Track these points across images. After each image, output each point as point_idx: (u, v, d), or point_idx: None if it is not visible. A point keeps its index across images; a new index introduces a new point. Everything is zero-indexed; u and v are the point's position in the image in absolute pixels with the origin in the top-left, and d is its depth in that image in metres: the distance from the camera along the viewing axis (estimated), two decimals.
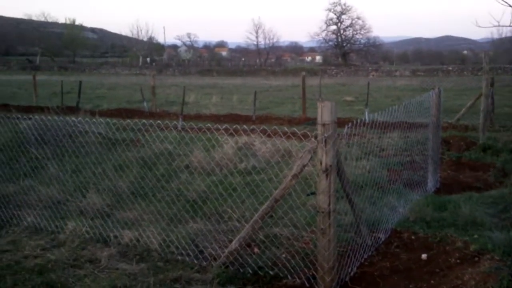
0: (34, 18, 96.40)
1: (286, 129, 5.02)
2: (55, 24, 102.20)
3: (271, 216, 4.49)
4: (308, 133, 4.10)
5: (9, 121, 9.71)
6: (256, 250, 4.30)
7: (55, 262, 4.02)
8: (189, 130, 9.98)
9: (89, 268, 3.95)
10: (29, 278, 3.74)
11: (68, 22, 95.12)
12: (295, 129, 5.18)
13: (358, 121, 4.05)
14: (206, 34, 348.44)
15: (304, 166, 3.75)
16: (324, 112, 3.35)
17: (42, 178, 6.38)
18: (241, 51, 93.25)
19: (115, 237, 4.53)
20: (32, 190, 5.91)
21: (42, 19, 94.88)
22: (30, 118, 8.49)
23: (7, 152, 7.79)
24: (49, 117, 6.53)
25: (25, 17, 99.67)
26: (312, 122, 12.37)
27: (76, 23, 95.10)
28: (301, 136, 4.18)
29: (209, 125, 5.68)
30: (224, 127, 4.64)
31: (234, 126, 4.90)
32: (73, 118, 7.53)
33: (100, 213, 5.09)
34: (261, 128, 5.25)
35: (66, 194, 5.78)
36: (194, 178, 6.25)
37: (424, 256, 4.09)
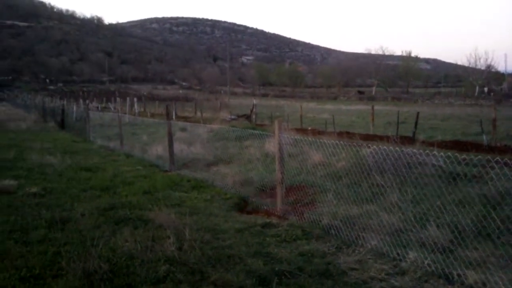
0: (373, 52, 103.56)
1: None
2: (391, 57, 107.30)
3: None
4: None
5: (352, 148, 10.66)
6: None
7: None
8: None
9: None
10: None
11: (404, 54, 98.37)
12: None
13: None
14: None
15: None
16: None
17: (383, 204, 6.70)
18: None
19: (459, 276, 4.37)
20: (374, 215, 6.29)
21: (380, 52, 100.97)
22: (369, 146, 9.01)
23: (351, 177, 8.51)
24: (386, 147, 6.82)
25: (365, 52, 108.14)
26: None
27: (412, 54, 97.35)
28: None
29: None
30: None
31: None
32: (410, 149, 7.69)
33: (441, 247, 5.01)
34: None
35: (406, 223, 5.92)
36: None
37: None
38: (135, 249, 5.01)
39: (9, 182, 8.55)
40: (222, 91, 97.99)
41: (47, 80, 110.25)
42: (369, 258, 4.94)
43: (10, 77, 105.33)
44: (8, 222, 6.14)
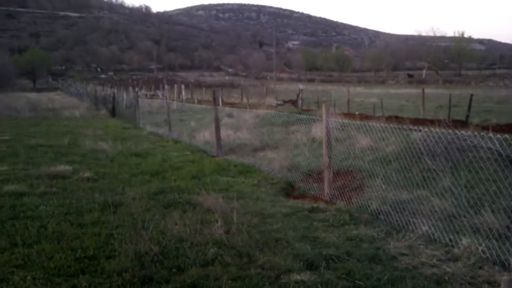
0: (423, 33, 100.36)
1: None
2: (442, 38, 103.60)
3: None
4: None
5: (401, 132, 10.39)
6: None
7: (452, 276, 4.02)
8: None
9: None
10: (426, 285, 3.86)
11: (456, 35, 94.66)
12: None
13: None
14: None
15: None
16: None
17: (434, 189, 6.51)
18: None
19: None
20: (425, 200, 6.12)
21: (431, 34, 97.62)
22: (420, 130, 8.75)
23: (401, 161, 8.32)
24: (438, 129, 6.60)
25: (415, 33, 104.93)
26: None
27: (465, 35, 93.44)
28: None
29: None
30: None
31: None
32: (463, 132, 7.40)
33: (497, 233, 4.82)
34: None
35: (459, 208, 5.73)
36: None
37: None
38: (184, 232, 5.10)
39: (64, 167, 8.89)
40: (268, 77, 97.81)
41: (98, 69, 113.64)
42: (420, 244, 4.82)
43: (64, 67, 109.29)
44: (63, 205, 6.39)
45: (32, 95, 49.45)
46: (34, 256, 4.51)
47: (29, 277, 4.03)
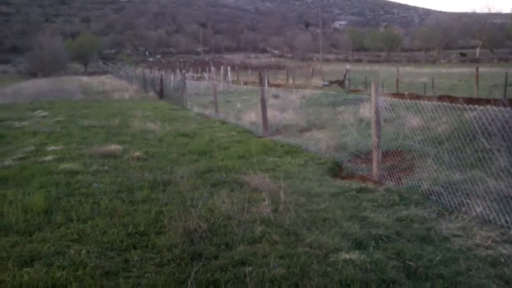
0: (477, 10, 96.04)
1: None
2: (498, 15, 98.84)
3: None
4: None
5: (454, 110, 10.00)
6: None
7: (508, 258, 3.87)
8: None
9: None
10: (481, 267, 3.74)
11: None
12: None
13: None
14: None
15: None
16: None
17: (490, 170, 6.25)
18: None
19: None
20: (479, 181, 5.89)
21: (486, 10, 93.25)
22: (474, 109, 8.40)
23: (453, 141, 8.04)
24: (495, 108, 6.29)
25: (469, 11, 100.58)
26: None
27: None
28: None
29: None
30: None
31: None
32: None
33: None
34: None
35: None
36: None
37: None
38: (232, 210, 5.13)
39: (115, 147, 9.15)
40: (314, 58, 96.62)
41: (146, 52, 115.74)
42: (473, 225, 4.65)
43: (113, 51, 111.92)
44: (115, 183, 6.58)
45: (84, 78, 51.03)
46: (88, 231, 4.68)
47: (84, 251, 4.18)
